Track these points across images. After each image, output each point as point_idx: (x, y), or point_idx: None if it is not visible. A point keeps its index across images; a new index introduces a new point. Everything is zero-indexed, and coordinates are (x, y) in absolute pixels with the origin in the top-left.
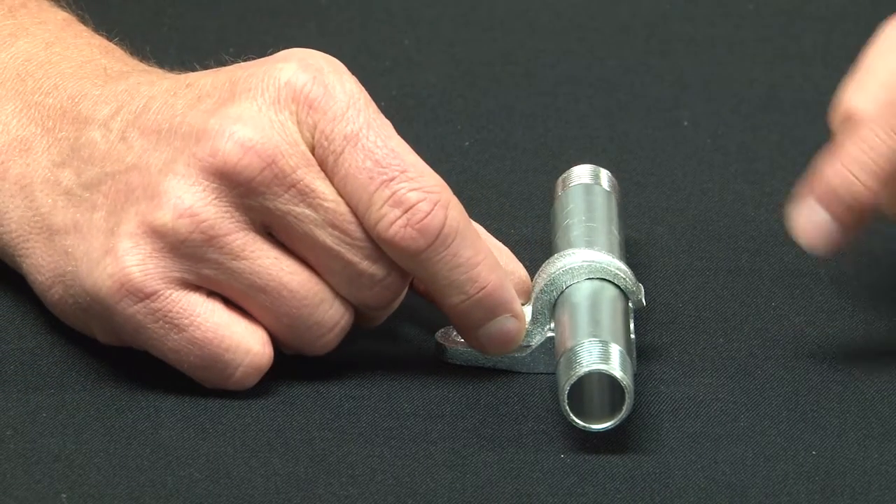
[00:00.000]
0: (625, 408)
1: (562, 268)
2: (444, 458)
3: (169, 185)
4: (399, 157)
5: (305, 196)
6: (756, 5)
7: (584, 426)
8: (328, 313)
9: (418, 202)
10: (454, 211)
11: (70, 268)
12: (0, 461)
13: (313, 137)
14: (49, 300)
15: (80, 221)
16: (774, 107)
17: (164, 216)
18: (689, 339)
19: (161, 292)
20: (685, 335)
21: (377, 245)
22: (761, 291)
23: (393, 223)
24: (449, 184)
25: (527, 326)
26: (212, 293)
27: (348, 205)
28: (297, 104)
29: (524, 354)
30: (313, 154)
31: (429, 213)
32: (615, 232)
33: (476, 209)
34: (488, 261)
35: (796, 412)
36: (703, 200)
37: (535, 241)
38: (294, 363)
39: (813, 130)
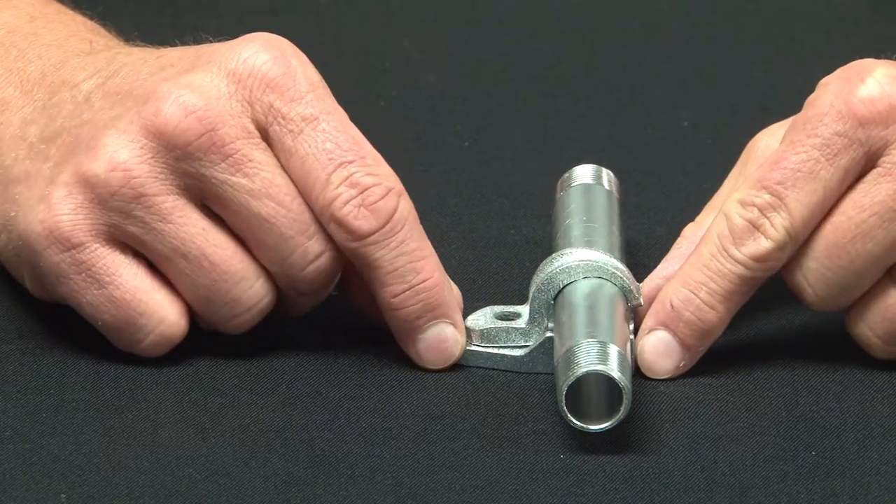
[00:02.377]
0: (623, 408)
1: (559, 267)
2: (443, 459)
3: (109, 139)
4: (358, 144)
5: (242, 165)
6: (756, 5)
7: (582, 427)
8: (247, 293)
9: (373, 185)
10: (406, 202)
11: (13, 213)
12: (0, 461)
13: (266, 118)
14: None
15: (31, 171)
16: (774, 107)
17: (98, 167)
18: None
19: (87, 245)
20: None
21: (314, 221)
22: (760, 292)
23: (347, 203)
24: (449, 184)
25: (524, 325)
26: (138, 256)
27: (302, 184)
28: (254, 80)
29: (523, 354)
30: (267, 134)
31: (382, 197)
32: (616, 232)
33: (476, 209)
34: (433, 259)
35: (796, 412)
36: (703, 200)
37: (535, 241)
38: (293, 363)
39: None
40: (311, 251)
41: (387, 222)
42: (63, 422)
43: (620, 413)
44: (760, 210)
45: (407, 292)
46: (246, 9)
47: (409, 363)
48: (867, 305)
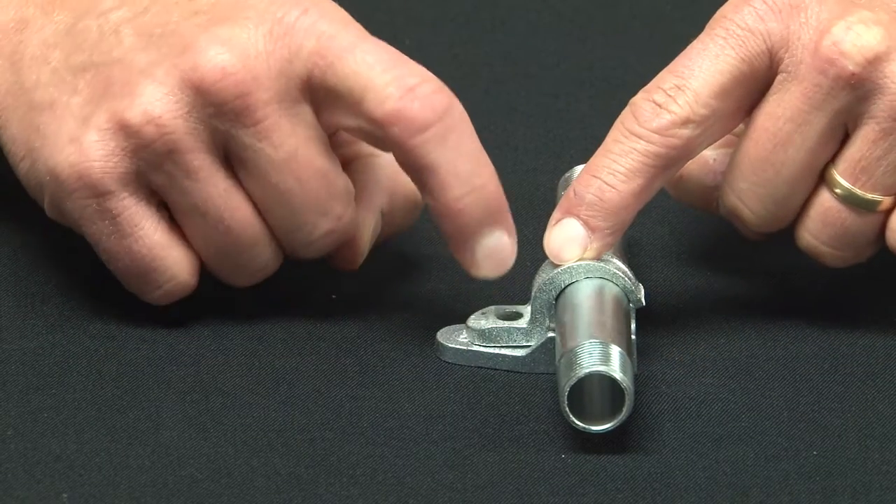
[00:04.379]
0: (625, 409)
1: (560, 267)
2: (445, 459)
3: (145, 88)
4: (400, 56)
5: (270, 133)
6: None
7: (584, 427)
8: (258, 257)
9: (423, 82)
10: (459, 104)
11: (37, 144)
12: (1, 461)
13: (306, 65)
14: (19, 172)
15: (57, 101)
16: None
17: (133, 117)
18: (691, 340)
19: (116, 193)
20: (686, 335)
21: (328, 198)
22: (762, 291)
23: (400, 98)
24: None
25: (526, 325)
26: (160, 206)
27: (352, 101)
28: (291, 37)
29: (524, 354)
30: (310, 80)
31: (435, 92)
32: None
33: None
34: (489, 162)
35: (797, 412)
36: None
37: (536, 241)
38: (295, 362)
39: None
40: (318, 228)
41: (444, 115)
42: (64, 421)
43: (622, 414)
44: (665, 92)
45: (470, 196)
46: None
47: (410, 363)
48: (807, 214)
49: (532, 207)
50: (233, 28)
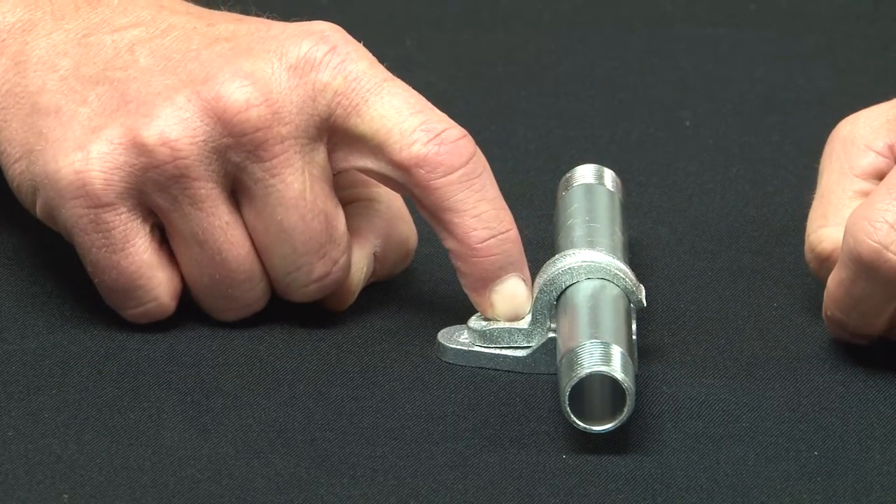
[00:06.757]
0: (626, 409)
1: (561, 268)
2: (445, 459)
3: (164, 110)
4: (424, 102)
5: (283, 169)
6: (757, 6)
7: (585, 427)
8: (247, 293)
9: (449, 128)
10: (481, 152)
11: (39, 147)
12: (2, 462)
13: (329, 106)
14: (11, 173)
15: (64, 109)
16: (775, 107)
17: (150, 137)
18: (691, 340)
19: (115, 206)
20: (687, 336)
21: (328, 241)
22: (763, 292)
23: (427, 143)
24: None
25: (527, 326)
26: (155, 226)
27: (377, 143)
28: (316, 73)
29: (525, 355)
30: (331, 117)
31: (460, 138)
32: (618, 232)
33: None
34: (509, 212)
35: (798, 413)
36: (705, 200)
37: (536, 241)
38: (296, 363)
39: (813, 130)
40: (316, 271)
41: (469, 161)
42: (65, 422)
43: (623, 414)
44: None
45: (492, 240)
46: (246, 10)
47: (411, 364)
48: None
49: (532, 208)
50: (256, 61)
